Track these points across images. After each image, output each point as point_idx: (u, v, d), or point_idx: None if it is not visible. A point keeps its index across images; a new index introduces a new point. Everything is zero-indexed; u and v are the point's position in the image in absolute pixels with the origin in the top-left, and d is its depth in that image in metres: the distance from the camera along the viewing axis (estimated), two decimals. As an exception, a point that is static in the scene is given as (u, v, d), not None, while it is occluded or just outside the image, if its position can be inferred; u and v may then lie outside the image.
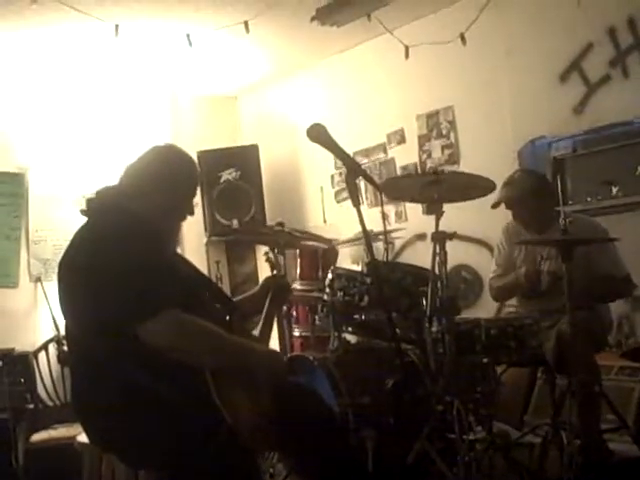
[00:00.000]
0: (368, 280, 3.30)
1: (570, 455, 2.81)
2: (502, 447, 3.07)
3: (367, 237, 2.37)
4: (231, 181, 5.96)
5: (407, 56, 4.82)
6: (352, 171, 2.33)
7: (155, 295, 2.07)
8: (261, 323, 2.60)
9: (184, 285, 2.26)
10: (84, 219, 2.34)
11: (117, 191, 2.36)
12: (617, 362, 3.82)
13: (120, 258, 2.11)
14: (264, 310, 2.63)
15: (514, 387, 3.77)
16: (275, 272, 2.82)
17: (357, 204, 2.27)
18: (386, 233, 2.95)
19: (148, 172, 2.36)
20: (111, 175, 2.47)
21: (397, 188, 3.38)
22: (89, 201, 2.35)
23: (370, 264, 2.99)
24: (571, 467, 2.75)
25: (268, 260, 2.93)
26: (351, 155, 2.57)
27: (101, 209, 2.32)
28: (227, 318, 2.46)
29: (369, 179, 2.49)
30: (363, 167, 3.43)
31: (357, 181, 2.33)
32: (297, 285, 4.69)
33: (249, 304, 2.70)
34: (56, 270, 2.30)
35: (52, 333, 5.21)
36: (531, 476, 2.95)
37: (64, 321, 2.33)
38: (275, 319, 2.76)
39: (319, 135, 2.36)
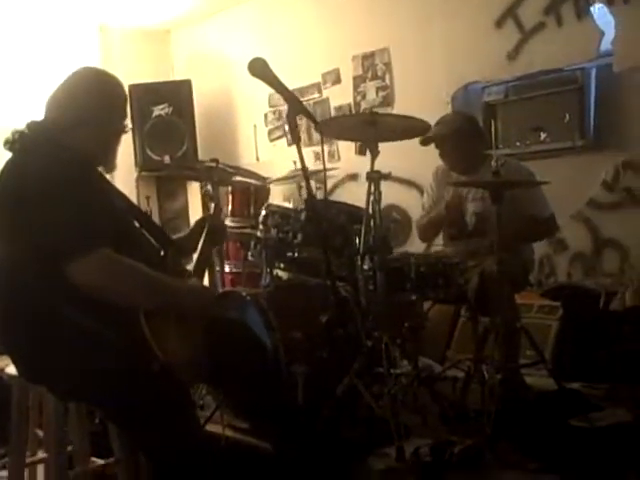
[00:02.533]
0: (302, 217, 3.32)
1: (491, 388, 2.93)
2: (426, 380, 3.19)
3: (306, 174, 2.39)
4: (163, 116, 5.86)
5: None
6: (293, 107, 2.32)
7: (86, 234, 2.04)
8: (195, 261, 2.60)
9: (118, 220, 2.23)
10: (7, 153, 2.28)
11: (47, 124, 2.29)
12: (537, 301, 3.98)
13: (54, 194, 2.06)
14: (198, 248, 2.63)
15: (437, 323, 3.89)
16: (213, 207, 2.81)
17: (297, 140, 2.27)
18: (325, 171, 2.96)
19: (76, 100, 2.28)
20: (36, 108, 2.40)
21: (335, 127, 3.39)
22: (19, 134, 2.28)
23: (308, 201, 3.00)
24: (492, 400, 2.87)
25: (206, 195, 2.91)
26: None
27: (32, 142, 2.25)
28: (162, 253, 2.45)
29: (309, 116, 2.49)
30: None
31: (298, 118, 2.32)
32: (229, 222, 4.69)
33: (185, 242, 2.70)
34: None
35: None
36: (453, 408, 3.06)
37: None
38: (209, 257, 2.77)
39: (260, 69, 2.35)
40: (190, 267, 2.60)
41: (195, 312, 2.24)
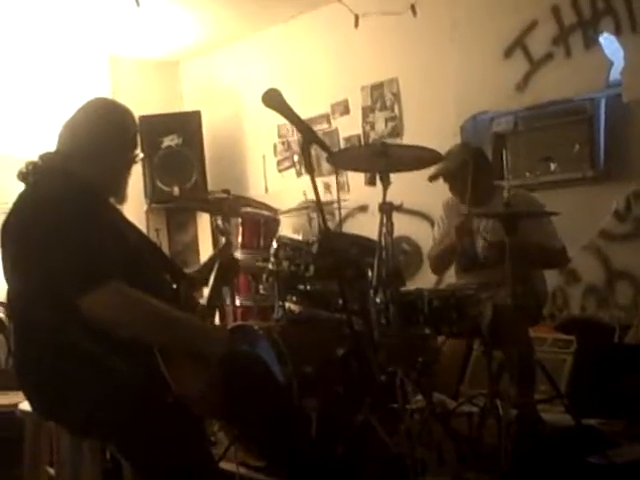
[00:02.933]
0: (314, 250, 3.31)
1: (507, 424, 2.89)
2: (441, 416, 3.15)
3: (320, 205, 2.37)
4: (173, 147, 5.89)
5: (357, 25, 4.81)
6: (307, 138, 2.32)
7: (99, 267, 2.03)
8: (207, 298, 2.59)
9: (129, 252, 2.23)
10: (20, 184, 2.28)
11: (59, 155, 2.30)
12: (551, 334, 3.94)
13: (65, 227, 2.07)
14: (209, 284, 2.62)
15: (449, 358, 3.86)
16: (224, 242, 2.80)
17: (311, 171, 2.26)
18: (339, 202, 2.95)
19: (88, 131, 2.29)
20: (48, 138, 2.40)
21: (346, 158, 3.39)
22: (31, 166, 2.28)
23: (322, 232, 2.99)
24: (508, 436, 2.83)
25: (217, 228, 2.90)
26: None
27: (45, 174, 2.26)
28: (174, 286, 2.44)
29: (324, 146, 2.49)
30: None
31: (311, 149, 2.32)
32: (239, 254, 4.68)
33: (197, 275, 2.69)
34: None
35: (-15, 299, 5.09)
36: (469, 444, 3.02)
37: (7, 289, 2.27)
38: (220, 294, 2.75)
39: (274, 100, 2.35)
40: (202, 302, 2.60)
41: (207, 353, 2.21)
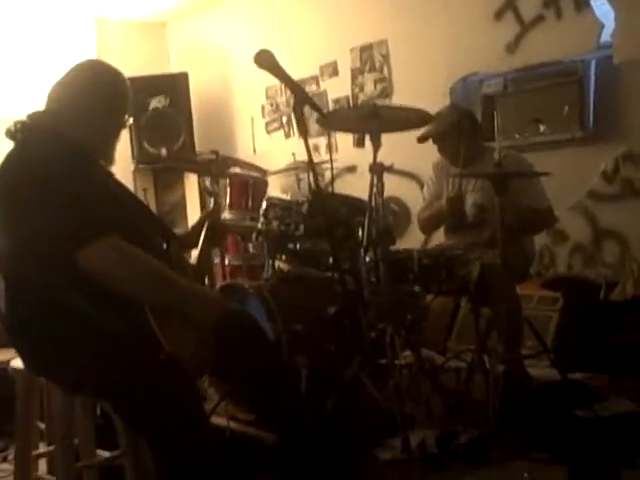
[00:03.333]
0: (304, 210, 3.32)
1: (495, 379, 2.93)
2: (430, 372, 3.19)
3: (313, 166, 2.38)
4: (160, 109, 5.85)
5: (347, -15, 4.76)
6: (300, 99, 2.32)
7: (96, 220, 2.03)
8: (197, 258, 2.60)
9: (122, 212, 2.23)
10: (6, 143, 2.26)
11: (51, 115, 2.29)
12: (537, 292, 3.98)
13: (56, 185, 2.06)
14: (199, 246, 2.63)
15: (437, 315, 3.90)
16: (212, 203, 2.81)
17: (304, 132, 2.27)
18: (332, 162, 2.95)
19: (78, 93, 2.28)
20: (34, 99, 2.39)
21: (336, 119, 3.39)
22: (20, 125, 2.26)
23: (315, 193, 3.00)
24: (495, 391, 2.87)
25: (205, 189, 2.91)
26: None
27: (33, 133, 2.24)
28: (165, 247, 2.44)
29: (316, 107, 2.48)
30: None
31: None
32: (227, 214, 4.67)
33: (186, 238, 2.70)
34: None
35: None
36: (457, 399, 3.07)
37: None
38: (210, 255, 2.76)
39: (266, 61, 2.34)
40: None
41: (201, 317, 2.21)
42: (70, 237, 2.01)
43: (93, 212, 2.05)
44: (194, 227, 2.74)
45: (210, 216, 2.71)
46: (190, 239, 2.69)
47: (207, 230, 2.63)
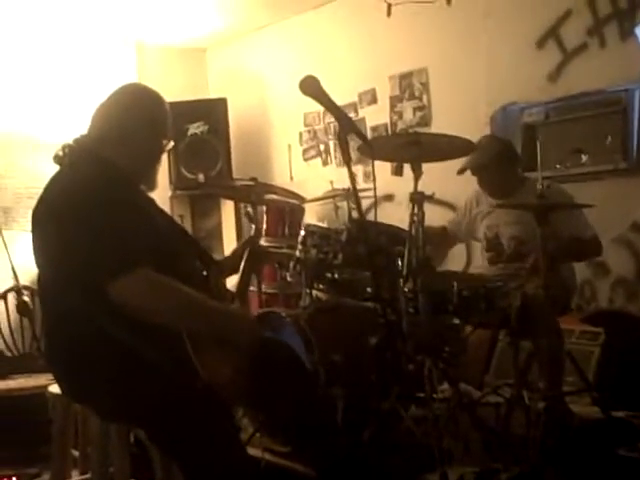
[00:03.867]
0: (342, 238, 3.30)
1: (536, 416, 2.87)
2: (468, 406, 3.13)
3: (357, 194, 2.36)
4: (198, 135, 5.88)
5: (389, 14, 4.76)
6: (344, 126, 2.30)
7: (128, 252, 2.03)
8: (237, 284, 2.59)
9: (161, 239, 2.22)
10: (54, 167, 2.28)
11: (94, 139, 2.30)
12: (578, 326, 3.91)
13: (96, 211, 2.06)
14: (240, 271, 2.62)
15: (474, 348, 3.84)
16: (253, 229, 2.81)
17: (348, 160, 2.25)
18: (375, 190, 2.94)
19: (119, 117, 2.29)
20: (75, 124, 2.40)
21: (377, 147, 3.37)
22: (67, 149, 2.28)
23: (356, 221, 2.99)
24: (536, 427, 2.81)
25: (246, 215, 2.91)
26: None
27: (79, 158, 2.26)
28: (204, 273, 2.44)
29: (361, 135, 2.47)
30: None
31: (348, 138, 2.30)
32: (264, 241, 4.67)
33: (226, 262, 2.69)
34: (16, 219, 2.23)
35: (11, 282, 5.12)
36: (496, 435, 3.01)
37: (38, 271, 2.27)
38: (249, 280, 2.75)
39: (311, 87, 2.33)
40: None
41: (239, 340, 2.20)
42: (103, 269, 2.01)
43: (129, 242, 2.04)
44: (234, 252, 2.73)
45: (252, 242, 2.71)
46: (230, 264, 2.68)
47: (249, 255, 2.62)
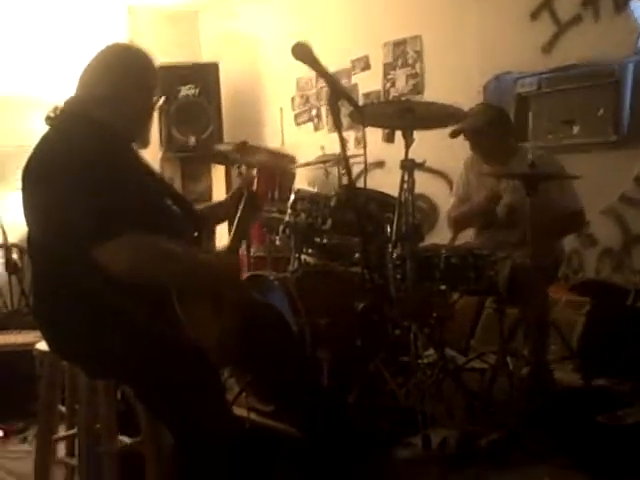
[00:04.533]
0: (332, 203, 3.31)
1: (519, 382, 2.91)
2: (453, 372, 3.17)
3: (347, 160, 2.36)
4: (189, 97, 5.86)
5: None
6: (336, 92, 2.30)
7: (116, 216, 2.02)
8: (232, 232, 2.56)
9: (151, 199, 2.21)
10: (45, 126, 2.26)
11: (84, 99, 2.28)
12: (565, 295, 3.95)
13: (85, 173, 2.04)
14: (235, 219, 2.57)
15: (460, 314, 3.88)
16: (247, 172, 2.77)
17: (339, 125, 2.24)
18: (365, 156, 2.93)
19: (106, 75, 2.26)
20: (67, 83, 2.39)
21: (370, 114, 3.36)
22: (58, 110, 2.26)
23: (347, 187, 2.99)
24: (519, 393, 2.86)
25: (239, 175, 2.88)
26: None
27: (69, 119, 2.24)
28: (195, 234, 2.43)
29: (352, 102, 2.46)
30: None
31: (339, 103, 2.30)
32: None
33: (217, 211, 2.66)
34: (6, 177, 2.22)
35: (0, 240, 5.11)
36: (479, 400, 3.05)
37: (27, 229, 2.27)
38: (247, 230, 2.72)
39: (304, 53, 2.32)
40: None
41: (223, 285, 2.21)
42: (89, 232, 2.01)
43: (115, 205, 2.03)
44: (227, 199, 2.69)
45: (246, 187, 2.66)
46: (221, 210, 2.65)
47: (246, 201, 2.57)
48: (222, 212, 2.63)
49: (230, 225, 2.55)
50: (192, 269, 2.17)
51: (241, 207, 2.52)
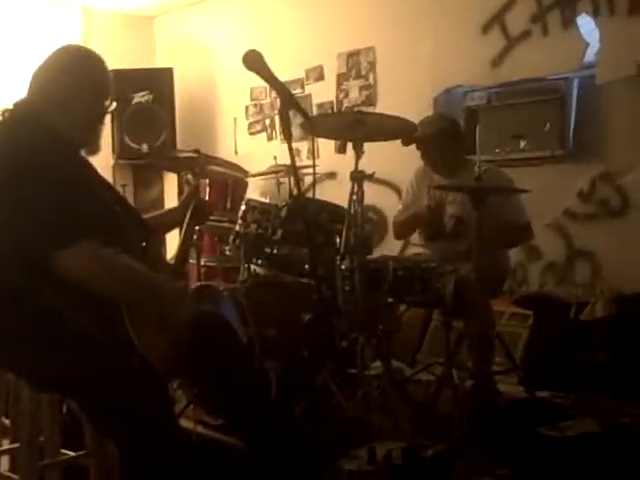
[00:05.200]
0: (283, 214, 3.32)
1: (463, 394, 2.95)
2: (399, 383, 3.20)
3: (295, 171, 2.38)
4: (143, 104, 5.82)
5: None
6: (286, 102, 2.31)
7: (71, 223, 2.00)
8: (180, 240, 2.56)
9: (102, 207, 2.20)
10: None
11: (33, 102, 2.25)
12: (509, 308, 4.01)
13: (36, 178, 2.02)
14: (183, 227, 2.58)
15: (408, 327, 3.91)
16: (194, 182, 2.77)
17: (288, 136, 2.26)
18: (314, 167, 2.95)
19: (56, 78, 2.23)
20: (18, 87, 2.36)
21: (321, 125, 3.38)
22: (6, 114, 2.24)
23: (296, 197, 3.00)
24: (463, 405, 2.89)
25: (186, 183, 2.87)
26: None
27: (18, 123, 2.21)
28: (144, 244, 2.42)
29: (302, 112, 2.48)
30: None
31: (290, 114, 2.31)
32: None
33: (165, 219, 2.66)
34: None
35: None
36: (424, 412, 3.08)
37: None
38: (192, 237, 2.72)
39: (255, 62, 2.32)
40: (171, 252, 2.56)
41: (176, 313, 2.21)
42: (45, 240, 1.99)
43: (70, 212, 2.01)
44: (172, 209, 2.69)
45: (194, 195, 2.66)
46: (169, 218, 2.65)
47: (193, 209, 2.58)
48: (170, 220, 2.62)
49: (180, 232, 2.56)
50: (148, 288, 2.16)
51: (188, 215, 2.53)
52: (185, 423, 2.88)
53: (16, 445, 2.58)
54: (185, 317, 2.24)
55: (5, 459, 2.79)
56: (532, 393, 3.14)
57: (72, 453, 2.49)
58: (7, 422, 2.78)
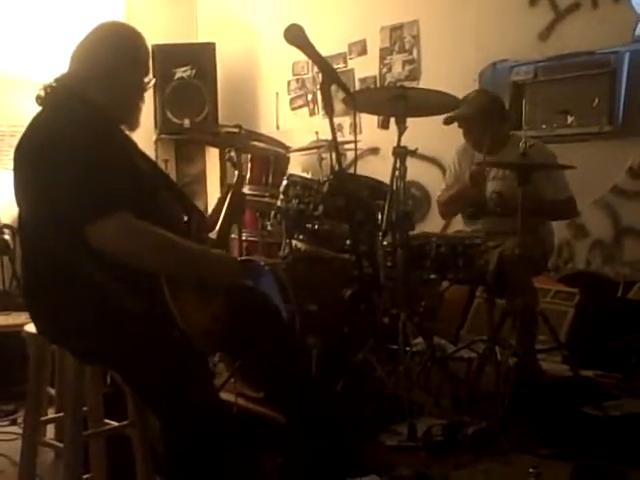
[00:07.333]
0: (324, 189, 3.30)
1: (505, 372, 2.92)
2: (441, 360, 3.18)
3: (337, 146, 2.35)
4: (185, 79, 5.80)
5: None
6: (328, 78, 2.29)
7: (107, 196, 2.00)
8: (218, 230, 2.57)
9: (142, 183, 2.21)
10: (36, 107, 2.25)
11: (74, 78, 2.26)
12: (554, 286, 3.96)
13: (77, 152, 2.03)
14: (222, 215, 2.59)
15: (451, 303, 3.89)
16: (236, 176, 2.77)
17: (330, 111, 2.23)
18: (355, 143, 2.93)
19: (97, 54, 2.24)
20: (62, 62, 2.37)
21: (364, 100, 3.35)
22: (49, 89, 2.25)
23: (337, 173, 2.98)
24: (506, 383, 2.87)
25: (229, 160, 2.87)
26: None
27: (60, 98, 2.23)
28: (186, 219, 2.43)
29: (344, 87, 2.45)
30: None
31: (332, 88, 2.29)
32: (247, 189, 4.66)
33: (210, 219, 2.68)
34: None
35: (-10, 221, 5.10)
36: (466, 389, 3.06)
37: (18, 211, 2.26)
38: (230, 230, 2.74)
39: (296, 36, 2.30)
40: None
41: (220, 282, 2.21)
42: (81, 212, 2.00)
43: (108, 185, 2.02)
44: (216, 208, 2.71)
45: (234, 188, 2.67)
46: (214, 220, 2.67)
47: (230, 202, 2.59)
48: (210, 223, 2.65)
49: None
50: (186, 258, 2.16)
51: (225, 208, 2.55)
52: (226, 396, 2.90)
53: (61, 414, 2.63)
54: (226, 278, 2.23)
55: (51, 428, 2.84)
56: (576, 372, 3.09)
57: (115, 423, 2.52)
58: (52, 392, 2.83)
